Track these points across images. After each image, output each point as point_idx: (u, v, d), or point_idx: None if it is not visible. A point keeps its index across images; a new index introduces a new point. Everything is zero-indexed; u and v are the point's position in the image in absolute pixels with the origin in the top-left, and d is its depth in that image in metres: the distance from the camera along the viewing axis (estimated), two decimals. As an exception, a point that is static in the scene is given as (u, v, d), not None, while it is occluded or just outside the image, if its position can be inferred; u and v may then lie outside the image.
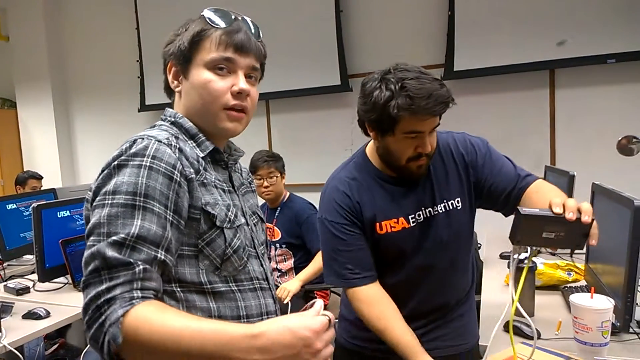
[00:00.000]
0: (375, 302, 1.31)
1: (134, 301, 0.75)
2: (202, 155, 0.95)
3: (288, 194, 2.82)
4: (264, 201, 2.86)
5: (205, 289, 0.90)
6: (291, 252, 2.72)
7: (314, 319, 0.72)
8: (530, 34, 4.21)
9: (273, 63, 4.81)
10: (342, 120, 5.04)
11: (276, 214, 2.75)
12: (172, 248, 0.84)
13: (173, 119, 0.98)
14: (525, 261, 1.46)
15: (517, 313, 1.41)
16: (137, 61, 5.76)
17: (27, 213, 2.81)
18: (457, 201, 1.37)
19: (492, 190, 1.34)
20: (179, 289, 0.88)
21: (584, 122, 4.26)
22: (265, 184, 2.67)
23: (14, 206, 2.82)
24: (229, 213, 0.94)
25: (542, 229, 0.97)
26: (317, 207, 1.50)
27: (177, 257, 0.87)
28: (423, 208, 1.36)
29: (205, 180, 0.93)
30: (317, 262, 2.56)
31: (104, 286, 0.76)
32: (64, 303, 2.07)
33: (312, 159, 5.26)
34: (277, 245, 2.73)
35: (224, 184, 0.99)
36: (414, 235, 1.36)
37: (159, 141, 0.88)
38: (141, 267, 0.77)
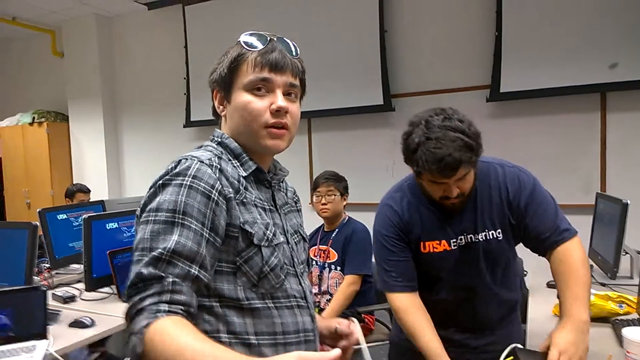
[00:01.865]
0: (410, 309, 1.47)
1: (158, 314, 0.80)
2: (244, 174, 0.99)
3: (347, 217, 2.82)
4: (321, 223, 2.88)
5: (242, 304, 0.93)
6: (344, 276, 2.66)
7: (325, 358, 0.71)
8: (580, 56, 4.11)
9: (316, 82, 4.88)
10: (384, 140, 5.03)
11: (332, 235, 2.75)
12: (207, 264, 0.88)
13: (220, 139, 1.03)
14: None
15: None
16: (184, 78, 5.96)
17: (77, 224, 2.92)
18: (499, 232, 1.46)
19: (528, 232, 1.44)
20: (217, 304, 0.92)
21: (636, 148, 4.10)
22: (323, 201, 2.71)
23: (65, 216, 2.94)
24: (267, 232, 0.97)
25: None
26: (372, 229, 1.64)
27: (216, 273, 0.91)
28: (465, 234, 1.47)
29: (245, 200, 0.96)
30: (344, 293, 2.54)
31: (137, 297, 0.82)
32: (109, 313, 2.11)
33: (353, 178, 5.21)
34: (333, 267, 2.70)
35: (265, 203, 1.02)
36: (454, 257, 1.48)
37: (201, 162, 0.92)
38: (171, 279, 0.82)
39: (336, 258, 2.68)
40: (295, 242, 1.07)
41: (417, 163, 1.32)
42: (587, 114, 4.22)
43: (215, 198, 0.90)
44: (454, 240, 1.47)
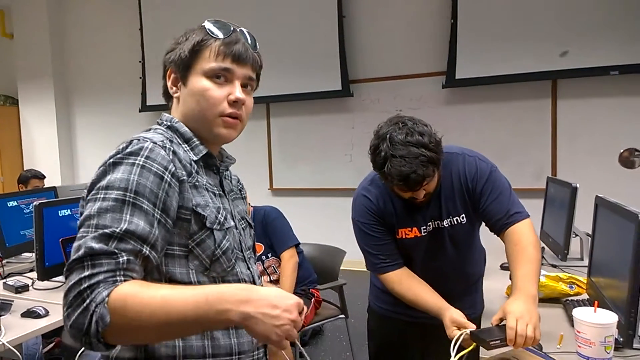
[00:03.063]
0: (404, 279, 1.59)
1: (117, 283, 0.79)
2: (195, 158, 0.99)
3: (251, 208, 2.76)
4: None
5: None
6: (277, 259, 2.71)
7: (297, 298, 0.84)
8: (533, 44, 4.23)
9: (274, 67, 4.85)
10: (343, 125, 5.06)
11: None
12: (158, 245, 0.87)
13: (169, 123, 1.02)
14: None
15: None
16: (140, 62, 5.77)
17: (28, 211, 2.80)
18: (462, 217, 1.60)
19: (483, 215, 1.56)
20: None
21: (585, 134, 4.28)
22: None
23: (15, 203, 2.81)
24: (219, 215, 0.98)
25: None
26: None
27: (168, 256, 0.91)
28: (433, 220, 1.60)
29: (197, 183, 0.96)
30: (288, 269, 2.60)
31: (86, 272, 0.78)
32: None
33: (312, 164, 5.27)
34: (264, 257, 2.72)
35: (215, 188, 1.02)
36: (424, 242, 1.62)
37: (154, 143, 0.91)
38: (125, 257, 0.81)
39: (263, 249, 2.70)
40: (242, 228, 1.09)
41: (386, 177, 1.44)
42: (538, 101, 4.37)
43: (168, 179, 0.90)
44: (424, 227, 1.60)
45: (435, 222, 1.60)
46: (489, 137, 4.44)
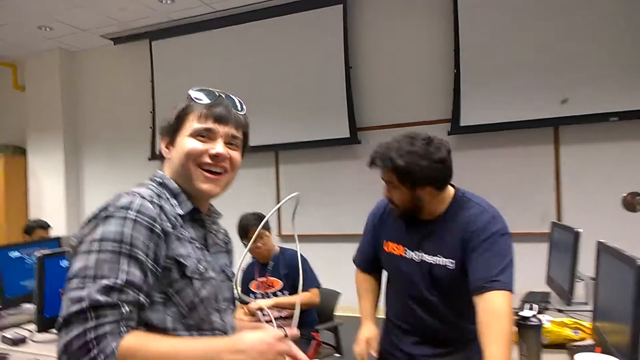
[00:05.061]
0: (361, 283, 1.82)
1: (122, 334, 0.85)
2: (181, 213, 1.05)
3: (278, 248, 2.99)
4: (251, 260, 3.01)
5: (169, 334, 0.96)
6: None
7: (275, 331, 0.96)
8: (534, 92, 4.33)
9: (283, 115, 4.98)
10: (351, 172, 5.10)
11: (268, 267, 2.90)
12: (149, 293, 0.93)
13: (160, 180, 1.08)
14: (533, 319, 1.50)
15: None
16: (151, 112, 5.93)
17: (30, 261, 2.81)
18: (451, 262, 1.54)
19: (467, 269, 1.50)
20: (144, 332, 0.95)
21: (588, 178, 4.30)
22: (259, 244, 2.85)
23: (18, 254, 2.81)
24: (199, 265, 1.03)
25: None
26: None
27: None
28: (420, 250, 1.60)
29: (180, 235, 1.02)
30: (297, 296, 2.64)
31: (91, 324, 0.83)
32: (59, 354, 2.02)
33: (321, 210, 5.28)
34: (279, 294, 2.85)
35: (196, 241, 1.07)
36: (406, 265, 1.62)
37: (143, 197, 0.97)
38: (127, 308, 0.86)
39: (281, 285, 2.84)
40: (220, 280, 1.13)
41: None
42: (541, 147, 4.43)
43: (158, 231, 0.95)
44: (410, 251, 1.62)
45: (422, 254, 1.59)
46: (494, 182, 4.45)
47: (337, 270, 3.91)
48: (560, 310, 2.12)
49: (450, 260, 1.54)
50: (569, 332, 1.72)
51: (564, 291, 2.16)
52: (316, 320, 2.93)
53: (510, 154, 4.52)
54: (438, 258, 1.56)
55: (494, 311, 1.37)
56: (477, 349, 1.52)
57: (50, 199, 6.36)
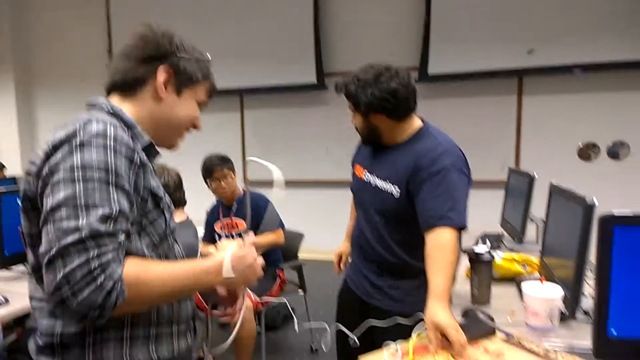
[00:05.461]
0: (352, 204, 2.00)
1: (122, 261, 0.86)
2: (140, 146, 1.01)
3: (242, 189, 3.03)
4: (215, 202, 3.03)
5: None
6: None
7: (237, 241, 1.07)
8: (502, 43, 4.37)
9: (250, 59, 4.84)
10: (318, 118, 5.08)
11: (233, 209, 2.95)
12: (132, 223, 0.93)
13: (109, 109, 1.00)
14: (486, 255, 1.59)
15: (475, 301, 1.59)
16: (108, 51, 5.67)
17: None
18: (397, 190, 1.60)
19: (417, 206, 1.54)
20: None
21: (548, 128, 4.43)
22: (223, 184, 2.87)
23: (-27, 195, 2.73)
24: (165, 198, 1.04)
25: None
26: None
27: None
28: (376, 175, 1.69)
29: (150, 168, 1.01)
30: (271, 235, 2.79)
31: (93, 253, 0.82)
32: (24, 291, 2.01)
33: (287, 156, 5.28)
34: (243, 234, 2.81)
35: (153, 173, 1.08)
36: (363, 187, 1.74)
37: (115, 127, 0.92)
38: (123, 237, 0.87)
39: (245, 227, 2.90)
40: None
41: None
42: (505, 97, 4.52)
43: (137, 162, 0.93)
44: (368, 174, 1.72)
45: (375, 178, 1.68)
46: (460, 131, 4.44)
47: (302, 215, 4.00)
48: (512, 250, 2.24)
49: (397, 187, 1.59)
50: (518, 267, 1.83)
51: (516, 231, 2.28)
52: (281, 259, 3.02)
53: (476, 103, 4.60)
54: (386, 183, 1.63)
55: (439, 246, 1.43)
56: (402, 289, 1.68)
57: (3, 140, 6.11)
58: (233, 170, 2.94)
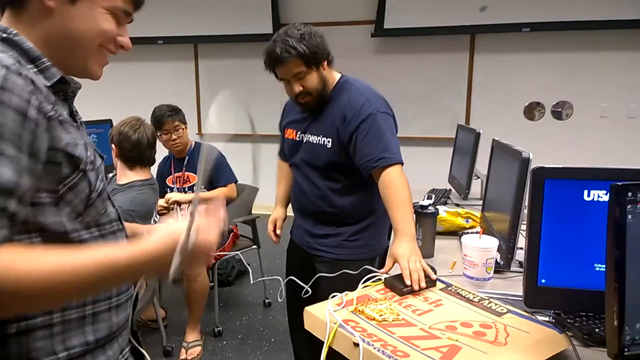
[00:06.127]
0: (281, 168, 2.09)
1: None
2: (47, 84, 0.79)
3: (194, 142, 2.96)
4: (166, 154, 2.96)
5: (71, 237, 0.81)
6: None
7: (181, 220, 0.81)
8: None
9: (204, 6, 4.64)
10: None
11: (185, 163, 2.90)
12: (26, 197, 0.71)
13: (5, 35, 0.78)
14: (430, 208, 1.67)
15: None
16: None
17: None
18: (328, 140, 1.71)
19: (354, 154, 1.66)
20: (39, 239, 0.77)
21: (498, 86, 4.56)
22: (174, 137, 2.80)
23: None
24: (88, 153, 0.83)
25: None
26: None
27: (36, 205, 0.75)
28: (309, 132, 1.78)
29: (61, 118, 0.78)
30: (223, 191, 2.79)
31: None
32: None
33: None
34: (195, 188, 2.84)
35: (70, 120, 0.84)
36: (298, 148, 1.82)
37: (7, 68, 0.69)
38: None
39: (195, 180, 2.85)
40: (99, 163, 0.91)
41: (264, 61, 1.68)
42: (458, 54, 4.58)
43: (34, 116, 0.71)
44: (301, 134, 1.81)
45: (306, 135, 1.78)
46: (413, 87, 4.59)
47: (263, 168, 4.00)
48: (457, 205, 2.35)
49: (328, 139, 1.71)
50: (461, 221, 1.93)
51: (462, 187, 2.38)
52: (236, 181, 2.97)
53: (430, 59, 4.64)
54: (319, 137, 1.74)
55: (390, 184, 1.56)
56: (345, 236, 1.80)
57: None
58: (184, 122, 2.86)
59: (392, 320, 1.07)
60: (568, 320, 1.12)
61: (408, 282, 1.25)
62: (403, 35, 4.58)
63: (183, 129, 2.83)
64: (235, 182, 2.90)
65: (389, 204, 1.55)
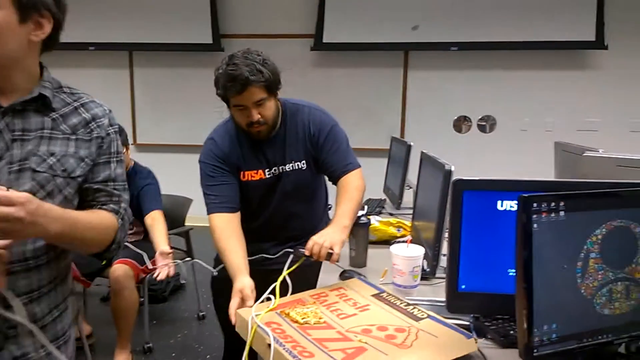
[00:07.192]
0: (225, 227, 1.59)
1: None
2: None
3: (133, 162, 2.80)
4: None
5: None
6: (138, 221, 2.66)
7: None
8: (391, 16, 4.57)
9: (140, 12, 4.52)
10: (212, 81, 4.91)
11: None
12: None
13: None
14: (363, 218, 1.72)
15: (352, 263, 1.74)
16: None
17: None
18: (303, 163, 1.73)
19: (323, 164, 1.72)
20: None
21: (429, 101, 4.79)
22: None
23: None
24: None
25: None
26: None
27: None
28: (277, 165, 1.71)
29: None
30: (161, 225, 2.58)
31: None
32: None
33: (180, 119, 5.12)
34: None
35: None
36: (269, 185, 1.72)
37: None
38: None
39: None
40: (9, 170, 0.97)
41: (217, 84, 1.56)
42: (393, 69, 4.75)
43: None
44: (268, 170, 1.71)
45: (280, 167, 1.72)
46: (350, 100, 4.71)
47: (190, 180, 3.92)
48: (391, 214, 2.43)
49: (302, 161, 1.72)
50: (393, 230, 1.99)
51: (395, 197, 2.47)
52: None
53: (366, 74, 4.78)
54: (292, 164, 1.72)
55: (348, 184, 1.66)
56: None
57: None
58: (127, 144, 2.71)
59: (314, 323, 1.13)
60: (485, 324, 1.19)
61: (308, 253, 1.40)
62: (341, 49, 4.69)
63: (124, 152, 2.67)
64: (161, 209, 2.69)
65: (340, 200, 1.61)
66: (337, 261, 1.45)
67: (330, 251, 1.42)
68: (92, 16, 4.70)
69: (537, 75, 4.65)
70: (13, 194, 0.82)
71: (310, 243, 1.43)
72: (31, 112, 1.01)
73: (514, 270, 1.18)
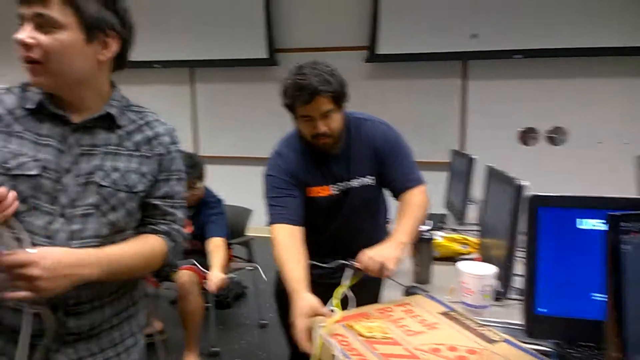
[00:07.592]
0: (288, 238, 1.53)
1: None
2: (30, 107, 1.01)
3: (204, 190, 2.88)
4: None
5: None
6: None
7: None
8: (448, 26, 4.47)
9: (200, 31, 4.67)
10: (268, 95, 5.01)
11: (189, 212, 2.76)
12: None
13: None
14: (426, 234, 1.67)
15: (416, 280, 1.70)
16: None
17: None
18: (369, 178, 1.69)
19: (387, 176, 1.68)
20: None
21: (491, 112, 4.61)
22: (188, 194, 2.74)
23: None
24: (12, 161, 0.97)
25: None
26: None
27: None
28: (342, 180, 1.68)
29: (8, 130, 1.00)
30: (222, 252, 2.65)
31: None
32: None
33: (237, 132, 5.24)
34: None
35: (45, 138, 1.01)
36: (335, 201, 1.68)
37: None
38: None
39: (191, 230, 2.77)
40: (76, 183, 1.02)
41: (285, 94, 1.53)
42: (451, 80, 4.65)
43: None
44: (334, 185, 1.67)
45: (345, 183, 1.67)
46: (406, 112, 4.65)
47: (249, 191, 4.00)
48: (454, 230, 2.35)
49: (371, 176, 1.68)
50: (457, 247, 1.92)
51: (458, 212, 2.39)
52: (229, 236, 2.95)
53: (422, 85, 4.71)
54: (360, 179, 1.68)
55: (411, 200, 1.61)
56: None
57: None
58: (201, 178, 2.75)
59: (380, 338, 1.10)
60: (568, 351, 1.11)
61: (360, 267, 1.37)
62: (396, 60, 4.65)
63: (198, 187, 2.75)
64: (228, 236, 2.78)
65: (401, 216, 1.57)
66: (390, 277, 1.41)
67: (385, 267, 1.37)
68: (156, 37, 4.92)
69: (608, 83, 4.39)
70: (21, 256, 0.86)
71: (364, 257, 1.39)
72: (99, 129, 1.06)
73: (598, 294, 1.10)
